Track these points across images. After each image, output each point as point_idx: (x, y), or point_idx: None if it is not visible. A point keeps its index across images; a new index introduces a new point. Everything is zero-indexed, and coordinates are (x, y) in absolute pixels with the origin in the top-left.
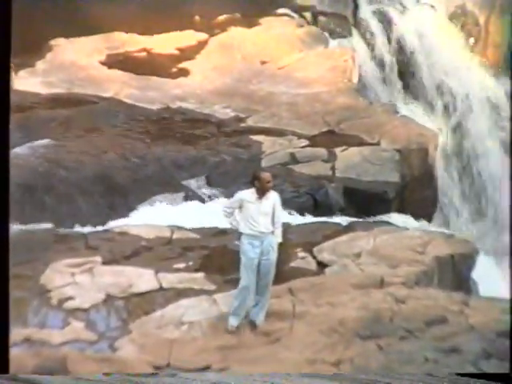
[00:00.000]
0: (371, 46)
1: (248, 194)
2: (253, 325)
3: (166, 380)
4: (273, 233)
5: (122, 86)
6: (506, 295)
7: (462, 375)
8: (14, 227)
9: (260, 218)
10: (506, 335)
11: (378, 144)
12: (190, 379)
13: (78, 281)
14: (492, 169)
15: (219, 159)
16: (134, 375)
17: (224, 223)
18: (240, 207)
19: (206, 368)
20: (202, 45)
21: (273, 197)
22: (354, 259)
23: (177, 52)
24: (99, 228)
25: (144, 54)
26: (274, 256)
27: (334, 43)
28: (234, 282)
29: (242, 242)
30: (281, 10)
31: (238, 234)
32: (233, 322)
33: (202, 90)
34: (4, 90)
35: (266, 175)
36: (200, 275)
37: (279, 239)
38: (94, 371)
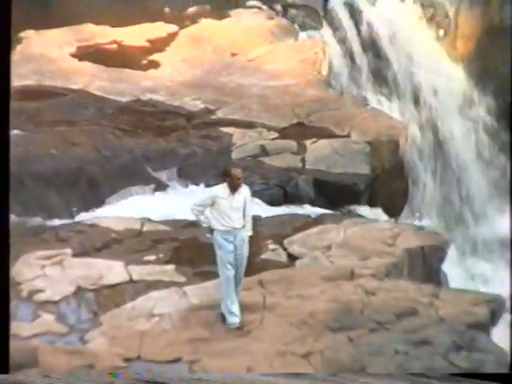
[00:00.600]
0: (341, 38)
1: (220, 190)
2: (224, 318)
3: None
4: (244, 227)
5: (92, 79)
6: (475, 287)
7: (463, 375)
8: None
9: (233, 213)
10: (476, 327)
11: (348, 136)
12: None
13: (48, 273)
14: (462, 160)
15: (190, 151)
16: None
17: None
18: (212, 204)
19: (177, 360)
20: (172, 37)
21: (244, 191)
22: (324, 251)
23: (147, 44)
24: (69, 220)
25: (114, 46)
26: (246, 250)
27: (304, 35)
28: (205, 275)
29: (215, 238)
30: (251, 2)
31: (210, 230)
32: (233, 320)
33: (173, 82)
34: (4, 85)
35: (237, 171)
36: (170, 267)
37: (249, 233)
38: (64, 364)
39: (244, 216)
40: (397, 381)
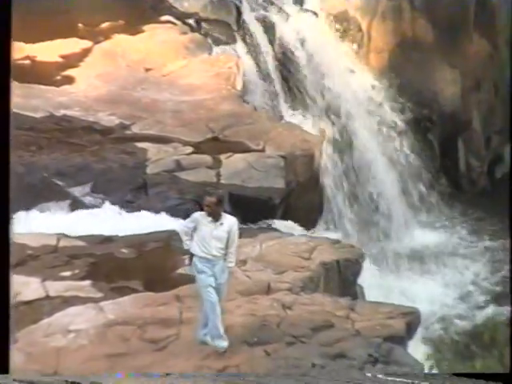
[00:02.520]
0: (255, 53)
1: (202, 216)
2: (204, 344)
3: None
4: (225, 258)
5: None
6: (391, 300)
7: (463, 375)
8: None
9: (212, 241)
10: (392, 340)
11: (262, 150)
12: None
13: None
14: (376, 173)
15: (105, 166)
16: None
17: (110, 230)
18: (194, 228)
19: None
20: (85, 52)
21: (229, 222)
22: (240, 266)
23: (61, 60)
24: None
25: (28, 61)
26: (225, 279)
27: (217, 50)
28: (121, 290)
29: (195, 264)
30: (164, 17)
31: (189, 257)
32: (222, 344)
33: (87, 97)
34: (4, 90)
35: (207, 199)
36: (87, 283)
37: (232, 264)
38: None
39: (227, 247)
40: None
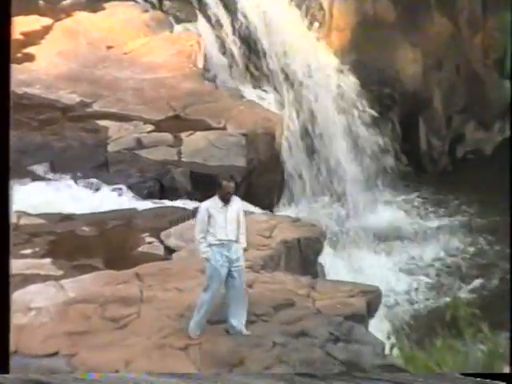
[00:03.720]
0: (216, 31)
1: (212, 203)
2: (240, 334)
3: None
4: (237, 240)
5: None
6: (351, 278)
7: (469, 375)
8: None
9: (228, 225)
10: (353, 318)
11: (224, 128)
12: None
13: None
14: (338, 151)
15: (65, 144)
16: None
17: (70, 208)
18: (208, 217)
19: (55, 354)
20: (46, 30)
21: (237, 204)
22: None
23: (21, 37)
24: None
25: None
26: (242, 262)
27: (179, 28)
28: (82, 268)
29: (207, 252)
30: None
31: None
32: (196, 331)
33: (48, 75)
34: (4, 86)
35: (228, 185)
36: (47, 261)
37: (244, 245)
38: None
39: (238, 228)
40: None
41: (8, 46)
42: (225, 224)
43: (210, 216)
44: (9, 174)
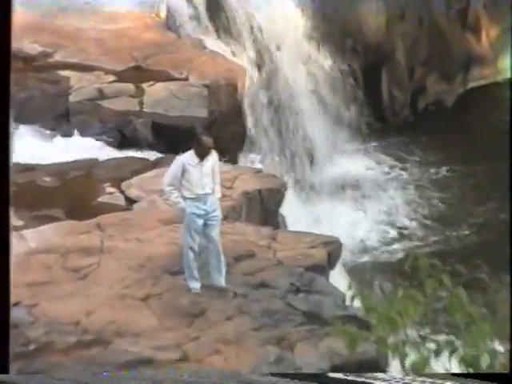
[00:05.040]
0: None
1: (188, 158)
2: (216, 288)
3: None
4: (213, 192)
5: None
6: (313, 229)
7: (460, 375)
8: None
9: (203, 179)
10: (313, 269)
11: (185, 79)
12: None
13: None
14: (301, 103)
15: (27, 94)
16: None
17: (32, 159)
18: (182, 173)
19: (16, 304)
20: None
21: (212, 157)
22: (161, 195)
23: None
24: None
25: None
26: (219, 212)
27: None
28: (43, 218)
29: (180, 203)
30: None
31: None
32: (193, 285)
33: None
34: (3, 83)
35: (208, 140)
36: None
37: (219, 195)
38: None
39: (213, 180)
40: None
41: (8, 48)
42: (200, 179)
43: (184, 170)
44: (9, 178)
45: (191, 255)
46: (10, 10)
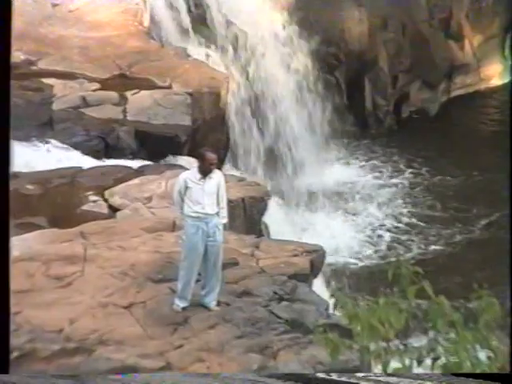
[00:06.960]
0: None
1: (191, 174)
2: (206, 308)
3: None
4: (218, 214)
5: None
6: (296, 238)
7: (460, 375)
8: None
9: (205, 198)
10: (296, 278)
11: (169, 87)
12: None
13: None
14: (285, 112)
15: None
16: None
17: (14, 166)
18: (184, 189)
19: None
20: None
21: (217, 176)
22: (145, 202)
23: None
24: None
25: None
26: (220, 238)
27: None
28: (26, 226)
29: (185, 224)
30: None
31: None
32: (179, 303)
33: None
34: (4, 82)
35: (211, 156)
36: None
37: (225, 220)
38: None
39: (218, 202)
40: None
41: (8, 47)
42: (202, 197)
43: (187, 188)
44: (9, 178)
45: (190, 277)
46: (10, 12)
